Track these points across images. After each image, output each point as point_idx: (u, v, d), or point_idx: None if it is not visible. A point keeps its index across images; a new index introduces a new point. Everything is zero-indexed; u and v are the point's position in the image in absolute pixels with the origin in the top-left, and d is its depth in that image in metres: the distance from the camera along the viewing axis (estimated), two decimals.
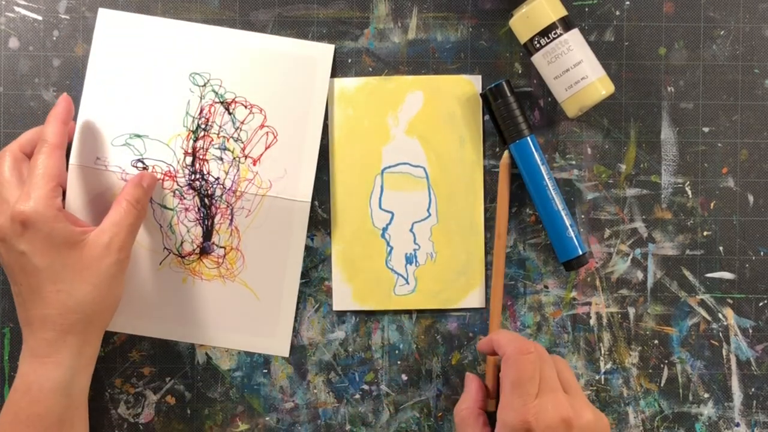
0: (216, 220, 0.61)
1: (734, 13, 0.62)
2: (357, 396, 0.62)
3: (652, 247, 0.62)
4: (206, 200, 0.61)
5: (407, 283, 0.62)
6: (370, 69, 0.62)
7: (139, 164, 0.61)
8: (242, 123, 0.61)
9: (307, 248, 0.62)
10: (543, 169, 0.60)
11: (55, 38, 0.62)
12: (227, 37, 0.61)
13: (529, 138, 0.60)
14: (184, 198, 0.61)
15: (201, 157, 0.61)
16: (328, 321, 0.62)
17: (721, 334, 0.62)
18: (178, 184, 0.61)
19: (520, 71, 0.62)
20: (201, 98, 0.61)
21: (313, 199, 0.62)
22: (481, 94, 0.61)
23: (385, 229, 0.62)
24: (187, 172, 0.61)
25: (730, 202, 0.62)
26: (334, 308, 0.62)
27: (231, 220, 0.61)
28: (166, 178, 0.61)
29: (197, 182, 0.61)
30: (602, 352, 0.62)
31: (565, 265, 0.60)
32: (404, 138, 0.62)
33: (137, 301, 0.61)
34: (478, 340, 0.62)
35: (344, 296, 0.62)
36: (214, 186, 0.61)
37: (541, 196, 0.60)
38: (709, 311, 0.62)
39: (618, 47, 0.62)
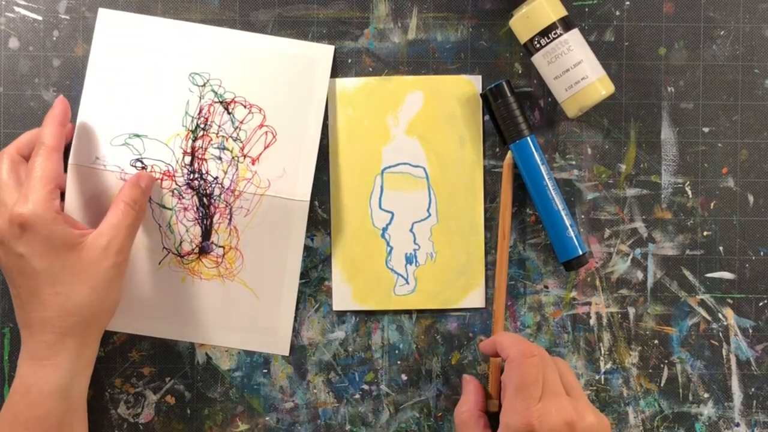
0: (215, 219, 0.61)
1: (734, 13, 0.62)
2: (357, 396, 0.62)
3: (652, 247, 0.62)
4: (205, 200, 0.61)
5: (407, 283, 0.62)
6: (370, 69, 0.62)
7: (138, 164, 0.61)
8: (241, 122, 0.61)
9: (307, 248, 0.62)
10: (543, 169, 0.60)
11: (55, 38, 0.62)
12: (227, 38, 0.61)
13: (529, 138, 0.60)
14: (183, 197, 0.61)
15: (200, 156, 0.61)
16: (328, 321, 0.62)
17: (721, 334, 0.62)
18: (176, 184, 0.61)
19: (520, 71, 0.62)
20: (200, 98, 0.61)
21: (313, 199, 0.62)
22: (481, 94, 0.61)
23: (385, 229, 0.62)
24: (185, 171, 0.61)
25: (730, 202, 0.62)
26: (334, 308, 0.62)
27: (230, 220, 0.61)
28: (165, 177, 0.61)
29: (196, 182, 0.61)
30: (602, 352, 0.62)
31: (565, 265, 0.60)
32: (404, 138, 0.62)
33: (137, 301, 0.61)
34: (478, 340, 0.62)
35: (344, 296, 0.62)
36: (213, 185, 0.61)
37: (541, 196, 0.60)
38: (709, 311, 0.62)
39: (618, 47, 0.62)
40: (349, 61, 0.62)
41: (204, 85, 0.61)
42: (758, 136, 0.62)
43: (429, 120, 0.62)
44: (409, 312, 0.62)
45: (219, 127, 0.61)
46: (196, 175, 0.61)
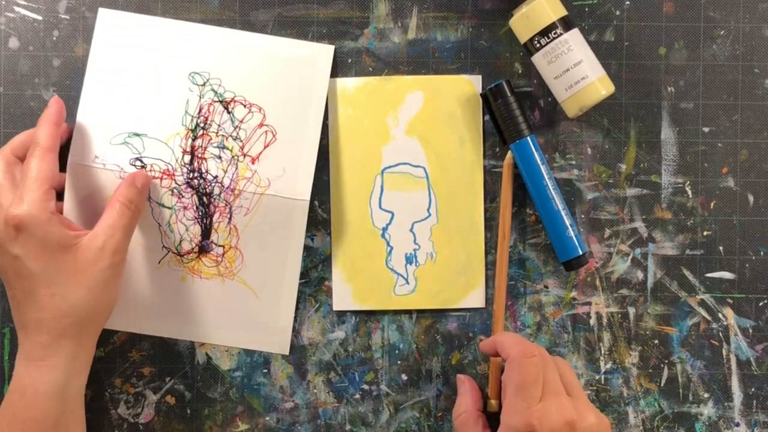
0: (214, 218, 0.61)
1: (734, 13, 0.62)
2: (357, 396, 0.62)
3: (652, 247, 0.62)
4: (204, 199, 0.61)
5: (407, 283, 0.62)
6: (370, 69, 0.62)
7: (138, 163, 0.61)
8: (241, 122, 0.61)
9: (307, 248, 0.62)
10: (543, 169, 0.60)
11: (55, 38, 0.62)
12: (227, 38, 0.61)
13: (529, 138, 0.60)
14: (183, 196, 0.61)
15: (199, 155, 0.61)
16: (328, 321, 0.62)
17: (721, 334, 0.62)
18: (176, 183, 0.61)
19: (520, 71, 0.62)
20: (200, 97, 0.61)
21: (313, 199, 0.62)
22: (481, 94, 0.61)
23: (385, 229, 0.62)
24: (185, 170, 0.61)
25: (730, 202, 0.62)
26: (334, 308, 0.62)
27: (230, 219, 0.61)
28: (165, 176, 0.61)
29: (195, 180, 0.61)
30: (602, 352, 0.62)
31: (565, 265, 0.60)
32: (404, 138, 0.62)
33: (136, 300, 0.61)
34: (478, 340, 0.62)
35: (344, 296, 0.62)
36: (213, 184, 0.61)
37: (541, 196, 0.60)
38: (709, 311, 0.62)
39: (618, 47, 0.62)
40: (349, 61, 0.62)
41: (204, 85, 0.61)
42: (758, 136, 0.62)
43: (429, 120, 0.62)
44: (409, 312, 0.62)
45: (219, 126, 0.61)
46: (196, 174, 0.61)
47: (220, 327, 0.62)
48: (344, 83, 0.62)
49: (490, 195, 0.62)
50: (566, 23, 0.58)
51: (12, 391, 0.54)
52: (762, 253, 0.62)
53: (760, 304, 0.62)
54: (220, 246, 0.61)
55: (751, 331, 0.62)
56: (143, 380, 0.62)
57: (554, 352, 0.62)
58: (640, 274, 0.62)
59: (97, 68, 0.61)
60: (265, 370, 0.62)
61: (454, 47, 0.62)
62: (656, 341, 0.62)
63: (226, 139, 0.61)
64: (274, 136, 0.61)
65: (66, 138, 0.60)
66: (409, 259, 0.62)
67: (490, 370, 0.60)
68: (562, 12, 0.58)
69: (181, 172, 0.61)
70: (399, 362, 0.62)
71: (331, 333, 0.62)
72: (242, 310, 0.61)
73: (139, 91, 0.61)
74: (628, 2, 0.62)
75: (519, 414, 0.51)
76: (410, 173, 0.62)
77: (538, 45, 0.58)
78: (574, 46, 0.58)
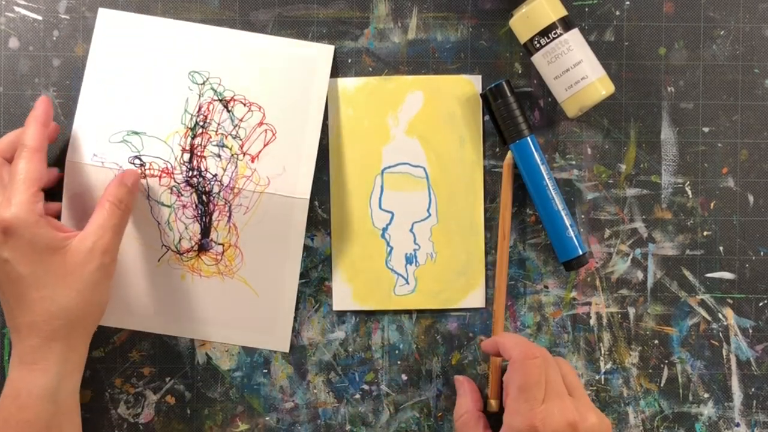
0: (214, 217, 0.61)
1: (734, 13, 0.62)
2: (357, 396, 0.62)
3: (652, 247, 0.62)
4: (204, 197, 0.61)
5: (407, 283, 0.62)
6: (370, 69, 0.62)
7: (137, 161, 0.61)
8: (241, 120, 0.61)
9: (307, 248, 0.62)
10: (543, 169, 0.60)
11: (55, 38, 0.62)
12: (227, 38, 0.61)
13: (529, 138, 0.60)
14: (182, 195, 0.61)
15: (199, 154, 0.61)
16: (328, 321, 0.62)
17: (721, 334, 0.62)
18: (175, 181, 0.61)
19: (520, 71, 0.62)
20: (200, 96, 0.61)
21: (313, 199, 0.62)
22: (481, 94, 0.61)
23: (385, 229, 0.62)
24: (184, 168, 0.61)
25: (730, 202, 0.62)
26: (334, 308, 0.62)
27: (229, 217, 0.61)
28: (164, 174, 0.61)
29: (195, 179, 0.61)
30: (602, 352, 0.62)
31: (565, 265, 0.60)
32: (404, 138, 0.62)
33: (136, 298, 0.61)
34: (478, 340, 0.62)
35: (344, 296, 0.62)
36: (212, 183, 0.61)
37: (541, 196, 0.60)
38: (709, 311, 0.62)
39: (618, 47, 0.62)
40: (349, 61, 0.62)
41: (203, 84, 0.61)
42: (758, 136, 0.62)
43: (429, 120, 0.62)
44: (409, 312, 0.62)
45: (218, 124, 0.61)
46: (195, 173, 0.61)
47: (220, 325, 0.62)
48: (344, 83, 0.62)
49: (490, 195, 0.62)
50: (566, 23, 0.58)
51: (5, 395, 0.54)
52: (762, 253, 0.62)
53: (760, 304, 0.62)
54: (219, 244, 0.61)
55: (751, 331, 0.62)
56: (143, 380, 0.62)
57: (554, 352, 0.62)
58: (640, 275, 0.62)
59: (97, 68, 0.61)
60: (265, 370, 0.62)
61: (454, 47, 0.62)
62: (656, 341, 0.62)
63: (226, 137, 0.61)
64: (273, 134, 0.61)
65: (55, 137, 0.60)
66: (409, 259, 0.62)
67: (490, 371, 0.60)
68: (562, 12, 0.58)
69: (180, 171, 0.61)
70: (399, 362, 0.62)
71: (331, 333, 0.62)
72: (242, 308, 0.61)
73: (138, 89, 0.61)
74: (628, 2, 0.62)
75: (522, 415, 0.51)
76: (410, 173, 0.62)
77: (538, 45, 0.58)
78: (574, 46, 0.58)
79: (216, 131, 0.61)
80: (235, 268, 0.61)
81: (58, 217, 0.60)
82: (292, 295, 0.61)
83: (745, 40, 0.62)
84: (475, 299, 0.62)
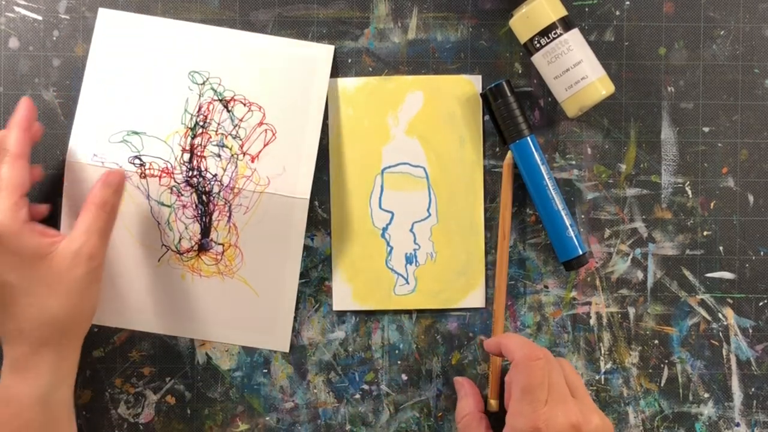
0: (214, 216, 0.61)
1: (734, 13, 0.62)
2: (357, 396, 0.62)
3: (652, 247, 0.62)
4: (204, 197, 0.61)
5: (407, 283, 0.62)
6: (370, 69, 0.62)
7: (137, 161, 0.61)
8: (241, 120, 0.61)
9: (307, 248, 0.62)
10: (543, 169, 0.60)
11: (55, 38, 0.62)
12: (227, 38, 0.61)
13: (529, 138, 0.60)
14: (182, 195, 0.61)
15: (199, 154, 0.61)
16: (328, 321, 0.62)
17: (721, 334, 0.62)
18: (175, 181, 0.61)
19: (520, 71, 0.62)
20: (200, 96, 0.61)
21: (313, 198, 0.62)
22: (481, 94, 0.61)
23: (385, 229, 0.62)
24: (184, 168, 0.61)
25: (730, 202, 0.62)
26: (334, 308, 0.62)
27: (229, 217, 0.61)
28: (164, 174, 0.61)
29: (195, 179, 0.61)
30: (602, 352, 0.62)
31: (565, 265, 0.60)
32: (404, 138, 0.62)
33: (136, 298, 0.61)
34: (478, 340, 0.62)
35: (344, 296, 0.62)
36: (212, 183, 0.61)
37: (541, 196, 0.60)
38: (709, 311, 0.62)
39: (618, 47, 0.62)
40: (349, 60, 0.62)
41: (203, 84, 0.61)
42: (758, 136, 0.62)
43: (429, 120, 0.62)
44: (409, 312, 0.62)
45: (218, 124, 0.61)
46: (195, 173, 0.61)
47: (220, 325, 0.62)
48: (344, 83, 0.62)
49: (490, 195, 0.62)
50: (566, 23, 0.58)
51: None
52: (762, 253, 0.62)
53: (760, 304, 0.62)
54: (219, 244, 0.61)
55: (751, 331, 0.62)
56: (143, 380, 0.62)
57: (554, 352, 0.62)
58: (640, 274, 0.62)
59: (97, 68, 0.61)
60: (265, 370, 0.62)
61: (454, 47, 0.62)
62: (656, 341, 0.62)
63: (226, 137, 0.61)
64: (273, 134, 0.61)
65: (39, 138, 0.59)
66: (409, 259, 0.62)
67: (491, 371, 0.61)
68: (562, 12, 0.58)
69: (180, 171, 0.61)
70: (399, 362, 0.62)
71: (331, 333, 0.62)
72: (242, 308, 0.61)
73: (138, 89, 0.61)
74: (628, 2, 0.62)
75: (525, 417, 0.51)
76: (410, 173, 0.62)
77: (538, 45, 0.58)
78: (574, 46, 0.58)
79: (216, 131, 0.61)
80: (235, 268, 0.61)
81: (45, 219, 0.60)
82: (292, 295, 0.61)
83: (745, 40, 0.62)
84: (475, 299, 0.62)
